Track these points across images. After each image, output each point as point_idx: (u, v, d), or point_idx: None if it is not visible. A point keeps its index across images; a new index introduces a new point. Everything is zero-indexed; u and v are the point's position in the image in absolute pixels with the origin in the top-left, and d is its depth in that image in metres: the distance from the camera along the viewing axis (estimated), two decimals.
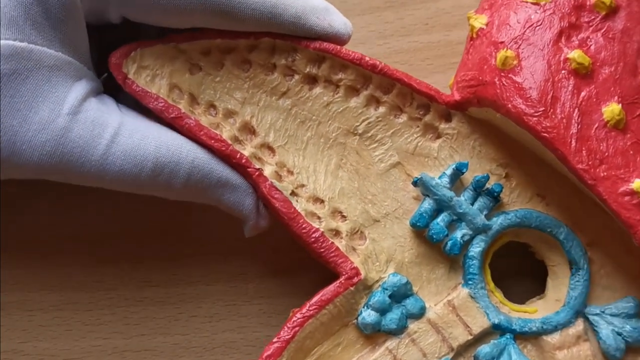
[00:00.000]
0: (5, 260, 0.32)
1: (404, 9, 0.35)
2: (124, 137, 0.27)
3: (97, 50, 0.29)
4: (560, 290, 0.29)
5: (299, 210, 0.28)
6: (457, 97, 0.29)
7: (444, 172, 0.29)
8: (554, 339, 0.28)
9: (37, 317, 0.32)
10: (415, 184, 0.29)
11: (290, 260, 0.32)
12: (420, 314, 0.28)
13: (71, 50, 0.27)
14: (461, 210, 0.28)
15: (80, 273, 0.32)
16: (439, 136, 0.30)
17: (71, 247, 0.32)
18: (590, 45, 0.27)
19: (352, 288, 0.28)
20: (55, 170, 0.26)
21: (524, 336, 0.28)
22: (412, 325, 0.28)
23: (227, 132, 0.28)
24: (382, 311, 0.28)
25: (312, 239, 0.28)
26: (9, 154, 0.25)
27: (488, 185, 0.29)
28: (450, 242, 0.28)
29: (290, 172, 0.29)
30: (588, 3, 0.27)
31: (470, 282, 0.28)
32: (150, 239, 0.32)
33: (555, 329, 0.28)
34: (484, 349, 0.28)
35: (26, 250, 0.32)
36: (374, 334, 0.28)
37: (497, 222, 0.29)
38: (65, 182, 0.27)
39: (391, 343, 0.28)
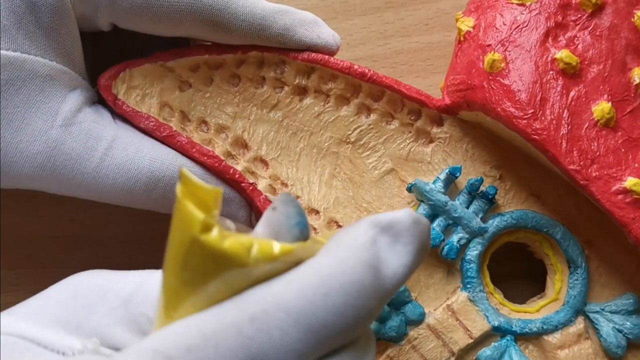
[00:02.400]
0: (6, 261, 0.32)
1: (404, 9, 0.35)
2: (118, 150, 0.27)
3: (92, 59, 0.30)
4: (559, 289, 0.29)
5: None
6: (447, 101, 0.29)
7: (438, 177, 0.29)
8: (555, 338, 0.28)
9: None
10: (409, 189, 0.29)
11: None
12: (419, 320, 0.28)
13: (65, 59, 0.27)
14: (456, 214, 0.28)
15: None
16: (431, 141, 0.30)
17: (72, 247, 0.32)
18: (578, 44, 0.27)
19: None
20: (47, 181, 0.26)
21: (524, 337, 0.28)
22: (412, 332, 0.28)
23: (219, 147, 0.28)
24: (381, 319, 0.28)
25: None
26: (1, 165, 0.26)
27: (482, 188, 0.29)
28: (447, 246, 0.28)
29: (285, 184, 0.29)
30: (574, 1, 0.27)
31: (468, 286, 0.28)
32: (151, 240, 0.32)
33: (556, 328, 0.28)
34: (485, 352, 0.28)
35: (26, 250, 0.32)
36: None
37: (493, 224, 0.29)
38: (59, 193, 0.27)
39: (392, 351, 0.28)
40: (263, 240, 0.17)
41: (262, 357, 0.16)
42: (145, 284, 0.20)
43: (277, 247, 0.17)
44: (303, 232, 0.18)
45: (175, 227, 0.17)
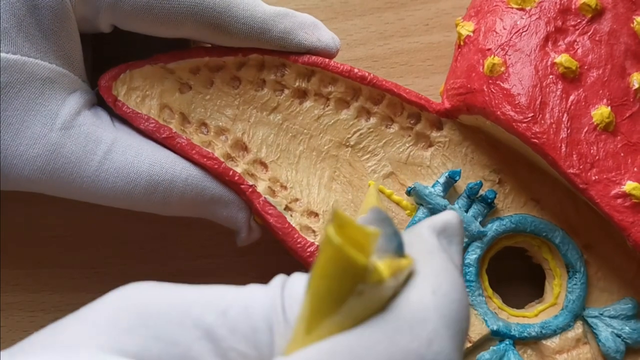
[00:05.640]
0: (6, 261, 0.32)
1: (404, 9, 0.35)
2: (117, 153, 0.27)
3: (91, 61, 0.30)
4: (558, 294, 0.29)
5: (293, 225, 0.28)
6: (447, 105, 0.29)
7: (437, 181, 0.29)
8: (553, 343, 0.28)
9: (39, 318, 0.32)
10: (409, 193, 0.29)
11: (291, 261, 0.32)
12: None
13: (65, 61, 0.27)
14: None
15: (81, 274, 0.32)
16: (430, 145, 0.30)
17: (72, 247, 0.32)
18: (577, 48, 0.27)
19: None
20: (47, 184, 0.26)
21: (523, 341, 0.28)
22: None
23: (219, 149, 0.28)
24: None
25: (308, 253, 0.28)
26: (0, 168, 0.26)
27: (482, 192, 0.29)
28: None
29: (284, 187, 0.29)
30: (573, 6, 0.27)
31: (467, 290, 0.28)
32: (151, 240, 0.32)
33: (555, 333, 0.28)
34: (484, 355, 0.28)
35: (27, 250, 0.32)
36: None
37: (492, 228, 0.29)
38: (58, 196, 0.27)
39: None
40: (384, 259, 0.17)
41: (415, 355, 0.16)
42: (228, 314, 0.18)
43: (402, 262, 0.17)
44: (403, 252, 0.18)
45: (330, 269, 0.16)
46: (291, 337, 0.17)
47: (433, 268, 0.18)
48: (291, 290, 0.18)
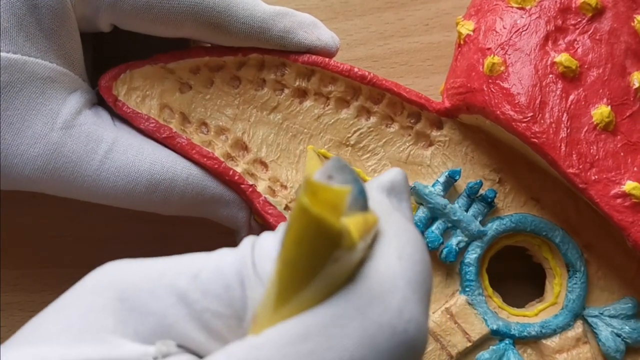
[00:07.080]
0: (6, 261, 0.32)
1: (404, 9, 0.35)
2: (118, 153, 0.27)
3: (92, 61, 0.30)
4: (558, 293, 0.29)
5: None
6: (447, 104, 0.29)
7: (437, 180, 0.29)
8: (553, 342, 0.28)
9: None
10: None
11: None
12: None
13: (65, 60, 0.27)
14: (456, 218, 0.28)
15: (81, 274, 0.32)
16: (431, 144, 0.30)
17: (72, 247, 0.32)
18: (578, 47, 0.27)
19: None
20: (48, 184, 0.26)
21: (523, 341, 0.28)
22: None
23: (219, 149, 0.28)
24: None
25: None
26: (1, 167, 0.26)
27: (482, 191, 0.29)
28: (446, 249, 0.28)
29: (284, 187, 0.29)
30: (574, 5, 0.27)
31: (467, 289, 0.28)
32: (151, 240, 0.32)
33: (555, 332, 0.28)
34: (484, 355, 0.28)
35: (27, 250, 0.32)
36: None
37: (492, 227, 0.29)
38: (59, 196, 0.27)
39: None
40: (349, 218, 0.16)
41: (390, 326, 0.16)
42: (200, 276, 0.18)
43: (368, 219, 0.17)
44: (366, 200, 0.17)
45: (305, 237, 0.15)
46: (261, 305, 0.17)
47: (394, 230, 0.18)
48: (261, 248, 0.18)
